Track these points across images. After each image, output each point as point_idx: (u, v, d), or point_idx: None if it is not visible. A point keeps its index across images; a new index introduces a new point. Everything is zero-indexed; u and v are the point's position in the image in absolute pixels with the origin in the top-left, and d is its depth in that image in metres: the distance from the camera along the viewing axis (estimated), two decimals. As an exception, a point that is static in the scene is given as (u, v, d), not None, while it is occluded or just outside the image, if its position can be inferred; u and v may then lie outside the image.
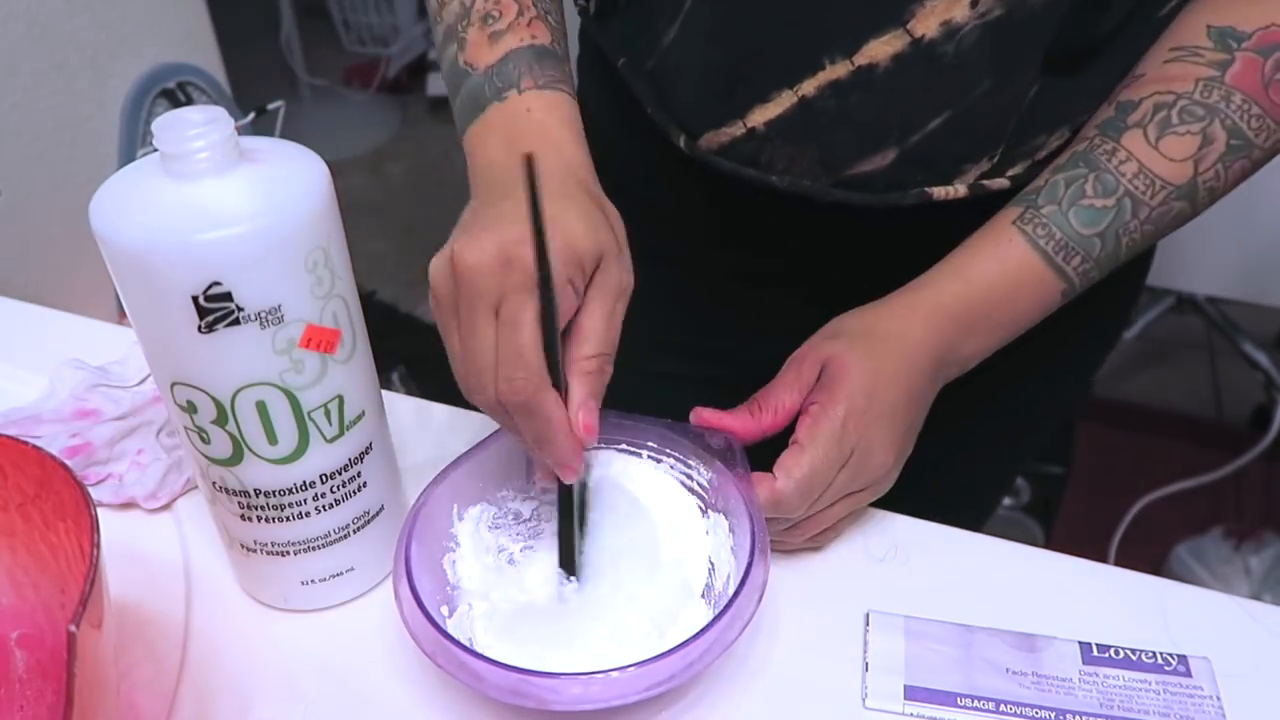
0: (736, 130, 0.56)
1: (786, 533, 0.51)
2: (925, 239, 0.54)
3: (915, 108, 0.52)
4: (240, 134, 0.41)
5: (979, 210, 0.54)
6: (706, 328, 0.71)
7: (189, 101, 1.44)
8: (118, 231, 0.39)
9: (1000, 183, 0.55)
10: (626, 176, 0.65)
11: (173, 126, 0.39)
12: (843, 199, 0.56)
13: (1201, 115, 0.49)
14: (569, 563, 0.49)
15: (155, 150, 0.40)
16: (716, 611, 0.44)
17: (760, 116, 0.55)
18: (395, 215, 2.43)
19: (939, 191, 0.55)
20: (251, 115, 1.56)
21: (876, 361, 0.50)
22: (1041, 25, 0.50)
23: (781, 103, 0.54)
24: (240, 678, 0.48)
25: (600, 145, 0.68)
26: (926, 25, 0.49)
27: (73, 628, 0.34)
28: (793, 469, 0.48)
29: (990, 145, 0.54)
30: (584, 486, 0.50)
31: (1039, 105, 0.53)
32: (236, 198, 0.40)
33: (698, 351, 0.72)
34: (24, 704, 0.45)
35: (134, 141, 1.36)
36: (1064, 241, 0.50)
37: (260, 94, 1.77)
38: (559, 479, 0.46)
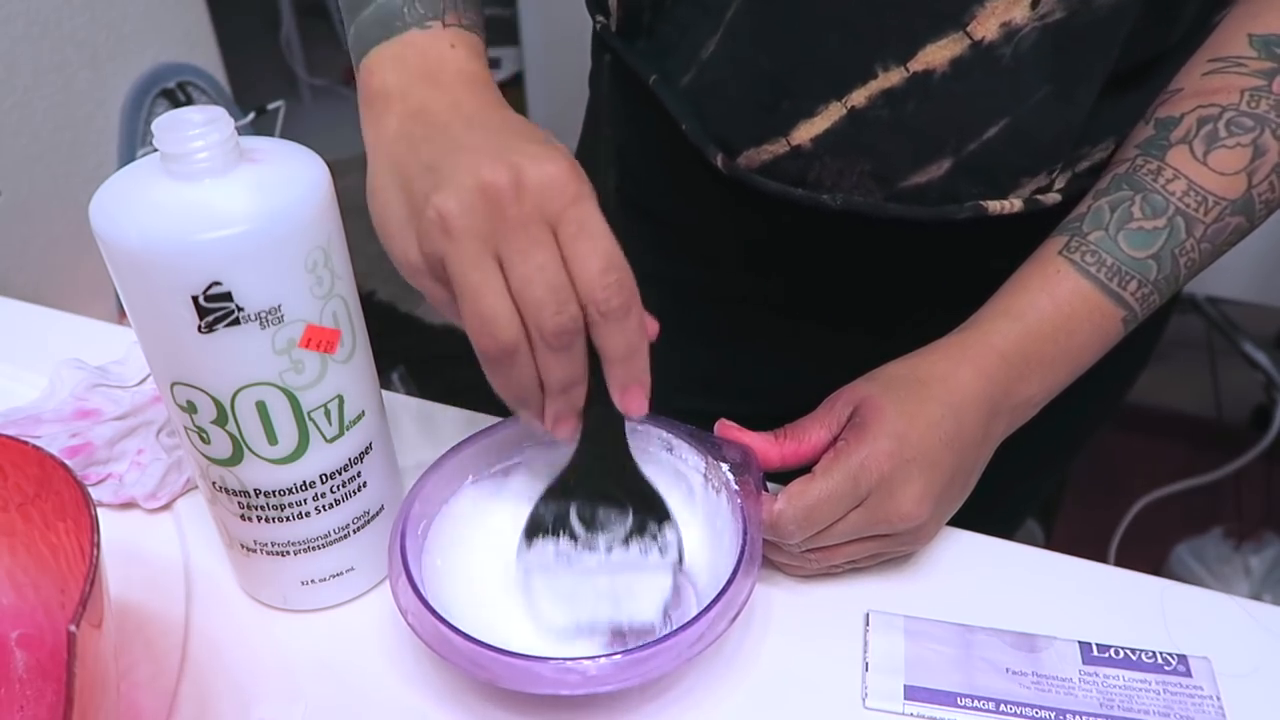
0: (779, 148, 0.54)
1: (796, 558, 0.50)
2: (974, 259, 0.53)
3: (972, 115, 0.51)
4: (240, 134, 0.41)
5: (1032, 228, 0.52)
6: (732, 362, 0.69)
7: (189, 101, 1.44)
8: (118, 231, 0.39)
9: (1053, 197, 0.54)
10: (649, 198, 0.64)
11: (173, 126, 0.39)
12: (898, 214, 0.54)
13: (1251, 126, 0.48)
14: (659, 509, 0.47)
15: (155, 150, 0.40)
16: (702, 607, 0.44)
17: (806, 133, 0.52)
18: (395, 215, 2.42)
19: (994, 205, 0.53)
20: (251, 115, 1.56)
21: (914, 405, 0.47)
22: (1105, 34, 0.48)
23: (829, 116, 0.51)
24: (240, 678, 0.48)
25: (618, 163, 0.67)
26: (987, 27, 0.47)
27: (73, 628, 0.34)
28: (795, 496, 0.47)
29: (1049, 161, 0.53)
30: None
31: (1088, 117, 0.51)
32: (236, 198, 0.40)
33: (724, 389, 0.69)
34: (24, 704, 0.45)
35: (134, 141, 1.36)
36: (1116, 267, 0.49)
37: (260, 94, 1.77)
38: (608, 416, 0.43)
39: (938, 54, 0.48)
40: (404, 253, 0.42)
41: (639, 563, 0.46)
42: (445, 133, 0.42)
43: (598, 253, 0.39)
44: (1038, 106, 0.50)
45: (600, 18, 0.62)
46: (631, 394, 0.42)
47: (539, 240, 0.39)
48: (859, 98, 0.50)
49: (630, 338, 0.41)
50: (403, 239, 0.42)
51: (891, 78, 0.49)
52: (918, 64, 0.49)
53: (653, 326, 0.42)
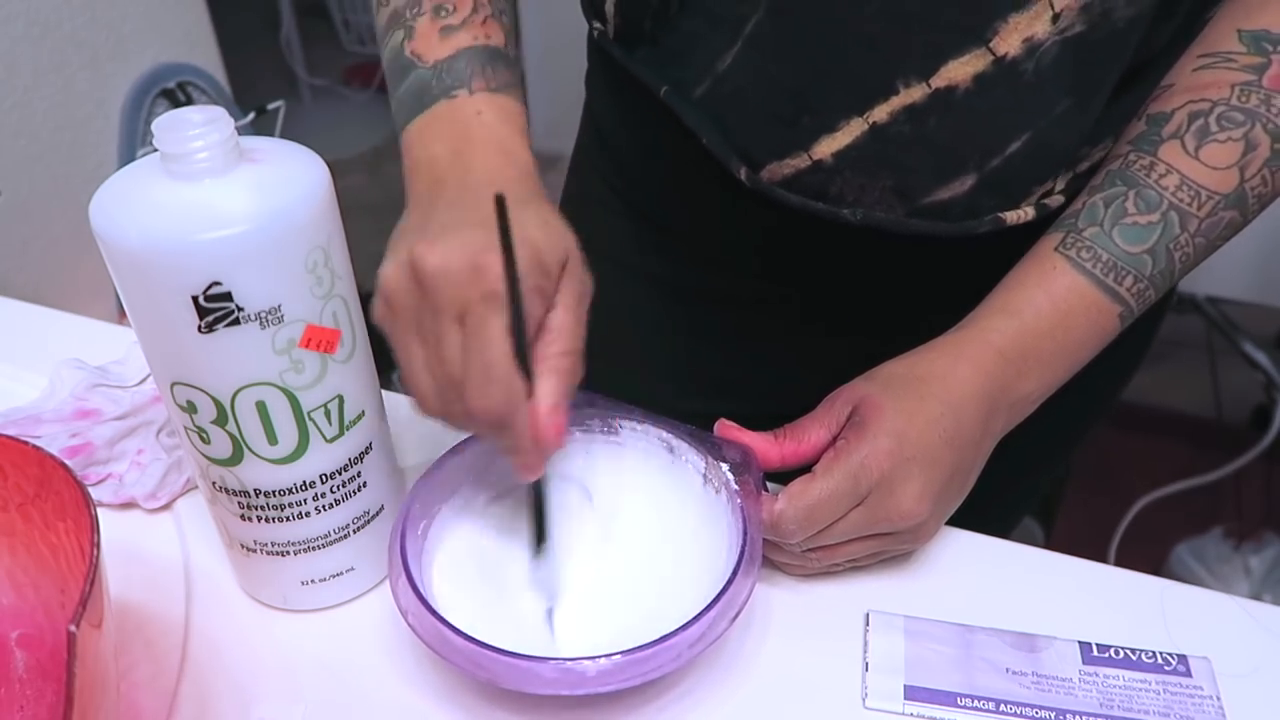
0: (801, 162, 0.53)
1: (797, 557, 0.50)
2: (984, 266, 0.53)
3: (994, 130, 0.50)
4: (240, 134, 0.41)
5: (1035, 231, 0.52)
6: (734, 363, 0.69)
7: (189, 101, 1.44)
8: (118, 231, 0.39)
9: (1057, 199, 0.54)
10: (650, 202, 0.64)
11: (173, 126, 0.39)
12: (919, 230, 0.54)
13: (1241, 120, 0.48)
14: (539, 558, 0.48)
15: (155, 150, 0.40)
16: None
17: (828, 148, 0.52)
18: (395, 215, 2.41)
19: (1011, 216, 0.53)
20: (251, 115, 1.56)
21: (913, 403, 0.47)
22: (1121, 44, 0.48)
23: (851, 131, 0.51)
24: (240, 678, 0.48)
25: (618, 168, 0.67)
26: (1009, 43, 0.47)
27: (73, 628, 0.34)
28: (796, 496, 0.47)
29: (1059, 168, 0.53)
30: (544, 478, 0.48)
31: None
32: (236, 198, 0.40)
33: (725, 390, 0.69)
34: (24, 704, 0.45)
35: (134, 141, 1.36)
36: (1112, 263, 0.49)
37: (260, 94, 1.77)
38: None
39: (960, 70, 0.48)
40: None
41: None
42: (432, 207, 0.44)
43: (479, 361, 0.40)
44: (1058, 119, 0.50)
45: (598, 24, 0.62)
46: (523, 473, 0.44)
47: (446, 329, 0.40)
48: (881, 113, 0.50)
49: (510, 444, 0.42)
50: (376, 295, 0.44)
51: (913, 94, 0.49)
52: (940, 80, 0.49)
53: (553, 434, 0.42)
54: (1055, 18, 0.46)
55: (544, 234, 0.42)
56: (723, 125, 0.55)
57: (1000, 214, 0.54)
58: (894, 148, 0.51)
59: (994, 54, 0.47)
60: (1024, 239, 0.53)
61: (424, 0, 0.50)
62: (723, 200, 0.59)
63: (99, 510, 0.40)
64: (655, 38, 0.57)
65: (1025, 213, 0.54)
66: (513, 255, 0.39)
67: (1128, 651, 0.48)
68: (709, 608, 0.43)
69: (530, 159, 0.47)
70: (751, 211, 0.58)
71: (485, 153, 0.46)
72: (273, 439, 0.44)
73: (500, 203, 0.38)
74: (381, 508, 0.50)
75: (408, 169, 0.48)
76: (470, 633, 0.43)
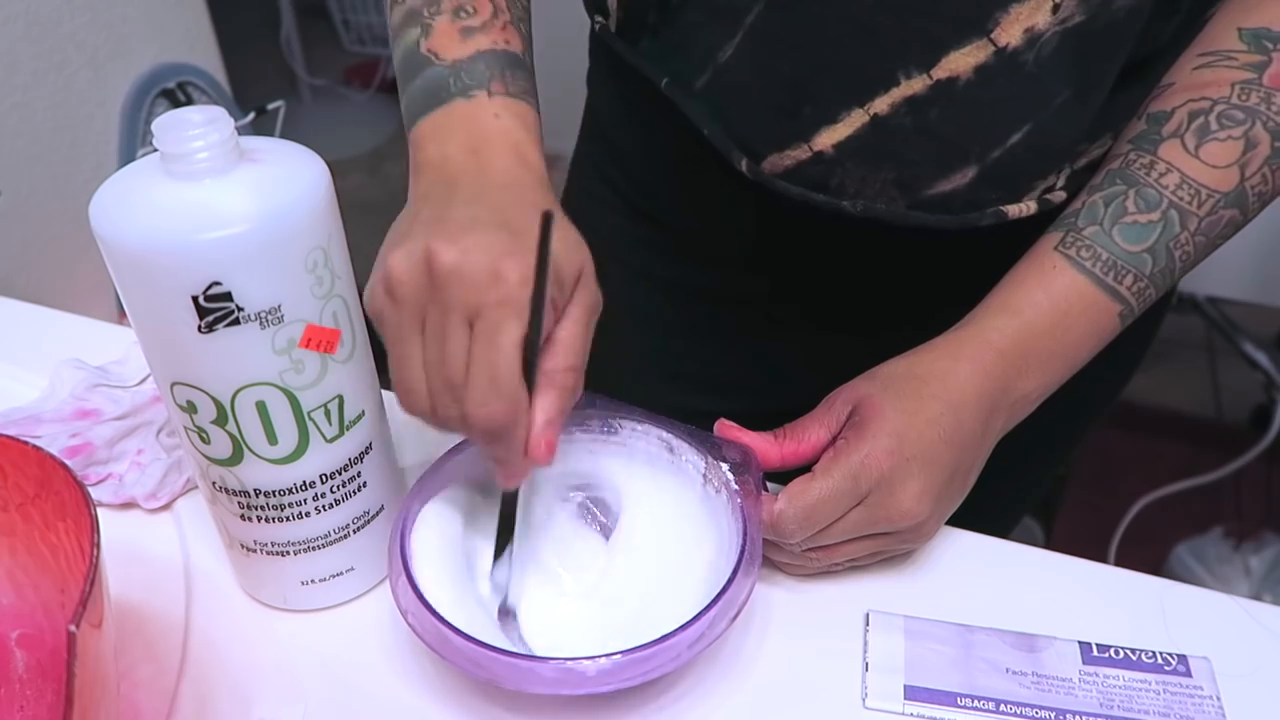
0: (802, 153, 0.53)
1: (797, 557, 0.50)
2: (985, 260, 0.53)
3: (995, 121, 0.50)
4: (240, 134, 0.41)
5: (1036, 226, 0.52)
6: (735, 362, 0.69)
7: (189, 101, 1.44)
8: (118, 231, 0.39)
9: (1059, 195, 0.54)
10: (650, 200, 0.64)
11: (173, 126, 0.39)
12: (920, 222, 0.54)
13: (1242, 119, 0.48)
14: (499, 559, 0.48)
15: (155, 150, 0.40)
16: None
17: (828, 139, 0.52)
18: (395, 215, 2.42)
19: (1013, 209, 0.53)
20: (251, 115, 1.56)
21: (913, 402, 0.47)
22: (1121, 35, 0.48)
23: (851, 122, 0.51)
24: (240, 677, 0.48)
25: (620, 166, 0.66)
26: (1010, 34, 0.47)
27: (73, 628, 0.34)
28: (796, 496, 0.47)
29: (1061, 162, 0.53)
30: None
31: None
32: (236, 198, 0.40)
33: (726, 389, 0.69)
34: (24, 704, 0.45)
35: (134, 141, 1.36)
36: (1112, 261, 0.49)
37: (260, 94, 1.77)
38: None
39: (961, 61, 0.48)
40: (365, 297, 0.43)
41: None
42: (448, 204, 0.43)
43: (486, 368, 0.39)
44: (1058, 111, 0.50)
45: (599, 18, 0.62)
46: (503, 479, 0.44)
47: (453, 329, 0.40)
48: (881, 105, 0.50)
49: (500, 454, 0.42)
50: (370, 284, 0.43)
51: (914, 85, 0.49)
52: (941, 71, 0.49)
53: (544, 451, 0.42)
54: (1055, 8, 0.46)
55: (561, 246, 0.41)
56: (723, 117, 0.55)
57: (1002, 207, 0.54)
58: (895, 139, 0.51)
59: (995, 45, 0.47)
60: (1026, 234, 0.53)
61: (443, 1, 0.49)
62: (724, 195, 0.59)
63: (99, 510, 0.40)
64: (657, 30, 0.57)
65: (1027, 206, 0.54)
66: (545, 274, 0.39)
67: (1128, 651, 0.48)
68: (709, 608, 0.43)
69: (544, 167, 0.47)
70: (752, 205, 0.58)
71: (502, 156, 0.45)
72: (273, 439, 0.44)
73: (547, 220, 0.38)
74: (381, 508, 0.50)
75: (417, 164, 0.47)
76: (470, 633, 0.43)
